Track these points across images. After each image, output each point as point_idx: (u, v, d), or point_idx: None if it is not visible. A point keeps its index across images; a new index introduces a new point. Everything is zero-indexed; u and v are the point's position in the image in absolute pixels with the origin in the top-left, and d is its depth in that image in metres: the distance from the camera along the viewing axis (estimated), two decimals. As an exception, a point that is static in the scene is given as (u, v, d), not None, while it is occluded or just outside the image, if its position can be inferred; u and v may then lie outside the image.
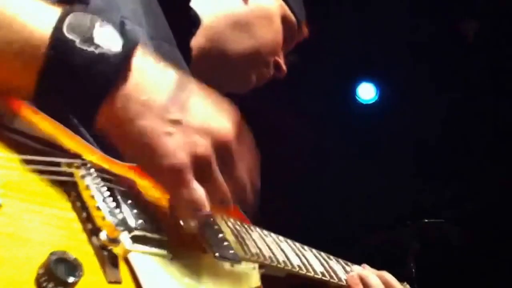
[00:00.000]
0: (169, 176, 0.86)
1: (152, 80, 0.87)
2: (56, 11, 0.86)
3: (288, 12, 1.74)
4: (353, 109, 4.77)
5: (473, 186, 4.35)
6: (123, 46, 0.85)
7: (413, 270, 3.55)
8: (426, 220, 3.71)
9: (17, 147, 0.85)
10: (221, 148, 0.89)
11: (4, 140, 0.84)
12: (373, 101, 4.75)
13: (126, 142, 0.87)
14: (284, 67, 1.77)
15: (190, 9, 1.52)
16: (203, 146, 0.87)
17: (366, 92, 4.75)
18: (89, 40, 0.84)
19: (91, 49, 0.83)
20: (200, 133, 0.87)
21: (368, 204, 4.43)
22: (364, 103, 4.76)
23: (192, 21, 1.53)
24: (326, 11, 3.89)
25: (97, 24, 0.85)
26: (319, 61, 4.28)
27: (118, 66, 0.84)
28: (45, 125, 0.93)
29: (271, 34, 1.69)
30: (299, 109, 4.49)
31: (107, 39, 0.85)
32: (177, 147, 0.85)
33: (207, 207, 0.88)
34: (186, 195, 0.86)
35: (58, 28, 0.84)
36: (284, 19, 1.73)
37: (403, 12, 4.15)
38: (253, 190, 0.96)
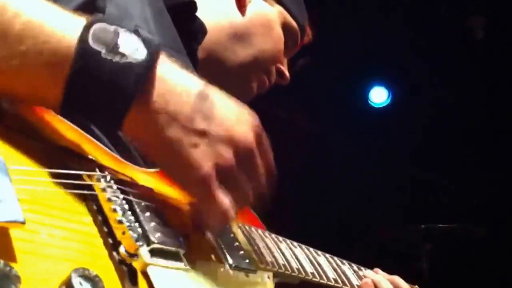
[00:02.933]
0: (196, 187, 0.90)
1: (177, 89, 0.89)
2: (81, 21, 0.87)
3: (289, 18, 1.73)
4: (365, 112, 4.77)
5: (487, 187, 4.34)
6: (147, 55, 0.87)
7: (425, 267, 3.56)
8: (440, 225, 3.71)
9: (40, 159, 0.87)
10: (244, 155, 0.92)
11: (27, 152, 0.86)
12: (385, 104, 4.75)
13: (153, 152, 0.91)
14: (287, 73, 1.76)
15: (196, 18, 1.53)
16: (228, 156, 0.90)
17: (378, 95, 4.76)
18: (114, 49, 0.85)
19: (116, 59, 0.85)
20: (224, 142, 0.90)
21: (380, 205, 4.44)
22: (376, 106, 4.76)
23: (198, 30, 1.53)
24: (338, 15, 3.88)
25: (121, 34, 0.87)
26: (331, 65, 4.29)
27: (142, 77, 0.86)
28: (67, 131, 0.95)
29: (270, 42, 1.67)
30: (311, 113, 4.51)
31: (132, 48, 0.87)
32: (203, 158, 0.88)
33: (233, 217, 0.92)
34: (213, 207, 0.90)
35: (83, 39, 0.85)
36: (285, 26, 1.72)
37: (414, 15, 4.13)
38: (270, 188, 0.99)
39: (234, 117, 0.94)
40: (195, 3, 1.52)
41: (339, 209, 4.41)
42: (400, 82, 4.71)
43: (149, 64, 0.87)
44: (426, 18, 4.14)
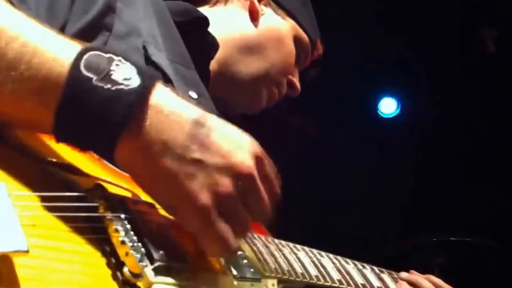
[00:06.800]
0: (194, 219, 0.88)
1: (172, 117, 0.87)
2: (74, 48, 0.87)
3: (301, 32, 1.73)
4: (375, 122, 4.79)
5: (501, 199, 4.33)
6: (140, 83, 0.86)
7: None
8: (453, 238, 3.70)
9: (41, 182, 0.87)
10: (244, 181, 0.90)
11: (27, 176, 0.87)
12: (394, 115, 4.77)
13: (148, 182, 0.89)
14: (298, 85, 1.76)
15: (208, 33, 1.52)
16: (226, 185, 0.87)
17: (388, 106, 4.77)
18: (106, 77, 0.85)
19: (108, 86, 0.84)
20: (221, 170, 0.87)
21: (389, 217, 4.44)
22: (386, 117, 4.78)
23: (210, 46, 1.53)
24: (349, 27, 3.87)
25: (115, 62, 0.86)
26: (342, 76, 4.29)
27: (133, 105, 0.85)
28: (65, 147, 0.95)
29: (282, 55, 1.68)
30: (320, 123, 4.50)
31: (125, 76, 0.86)
32: (200, 189, 0.86)
33: (233, 244, 0.90)
34: (212, 236, 0.88)
35: (75, 66, 0.84)
36: (297, 40, 1.72)
37: (425, 27, 4.11)
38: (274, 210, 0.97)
39: (232, 143, 0.91)
40: (207, 19, 1.52)
41: (348, 220, 4.40)
42: (409, 93, 4.72)
43: (142, 92, 0.86)
44: (436, 30, 4.12)
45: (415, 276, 1.53)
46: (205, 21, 1.52)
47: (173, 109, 0.88)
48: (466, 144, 4.42)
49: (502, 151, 4.37)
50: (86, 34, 1.16)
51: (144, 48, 1.25)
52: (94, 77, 0.84)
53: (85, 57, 0.85)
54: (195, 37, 1.48)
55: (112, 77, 0.85)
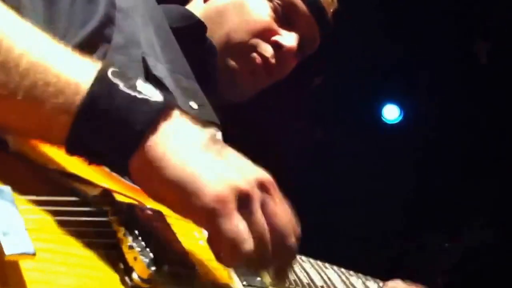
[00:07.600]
0: (211, 207, 0.80)
1: (191, 129, 0.86)
2: (95, 61, 0.86)
3: None
4: (378, 129, 4.82)
5: (501, 200, 4.34)
6: (163, 100, 0.85)
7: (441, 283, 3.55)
8: (454, 238, 3.69)
9: (47, 187, 0.86)
10: (263, 187, 0.85)
11: (33, 180, 0.85)
12: (398, 121, 4.82)
13: (164, 179, 0.82)
14: (283, 42, 1.57)
15: (206, 38, 1.50)
16: (245, 181, 0.83)
17: (391, 112, 4.82)
18: (132, 87, 0.84)
19: (134, 94, 0.83)
20: (239, 171, 0.84)
21: (391, 218, 4.44)
22: (389, 123, 4.82)
23: (208, 51, 1.50)
24: (353, 35, 3.89)
25: (139, 79, 0.86)
26: (344, 82, 4.31)
27: (160, 109, 0.84)
28: (72, 161, 0.93)
29: (244, 15, 1.56)
30: (324, 129, 4.51)
31: (148, 91, 0.85)
32: (219, 178, 0.81)
33: (249, 243, 0.82)
34: (229, 228, 0.81)
35: (103, 71, 0.83)
36: None
37: (425, 34, 4.15)
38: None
39: (247, 161, 0.87)
40: (204, 24, 1.50)
41: (353, 224, 4.40)
42: (412, 99, 4.76)
43: (166, 105, 0.85)
44: (438, 37, 4.15)
45: (401, 285, 1.50)
46: (202, 27, 1.50)
47: (192, 125, 0.87)
48: (468, 150, 4.43)
49: (504, 155, 4.38)
50: (87, 46, 1.14)
51: (144, 60, 1.23)
52: (121, 84, 0.83)
53: (111, 67, 0.85)
54: (193, 43, 1.45)
55: (138, 88, 0.84)
